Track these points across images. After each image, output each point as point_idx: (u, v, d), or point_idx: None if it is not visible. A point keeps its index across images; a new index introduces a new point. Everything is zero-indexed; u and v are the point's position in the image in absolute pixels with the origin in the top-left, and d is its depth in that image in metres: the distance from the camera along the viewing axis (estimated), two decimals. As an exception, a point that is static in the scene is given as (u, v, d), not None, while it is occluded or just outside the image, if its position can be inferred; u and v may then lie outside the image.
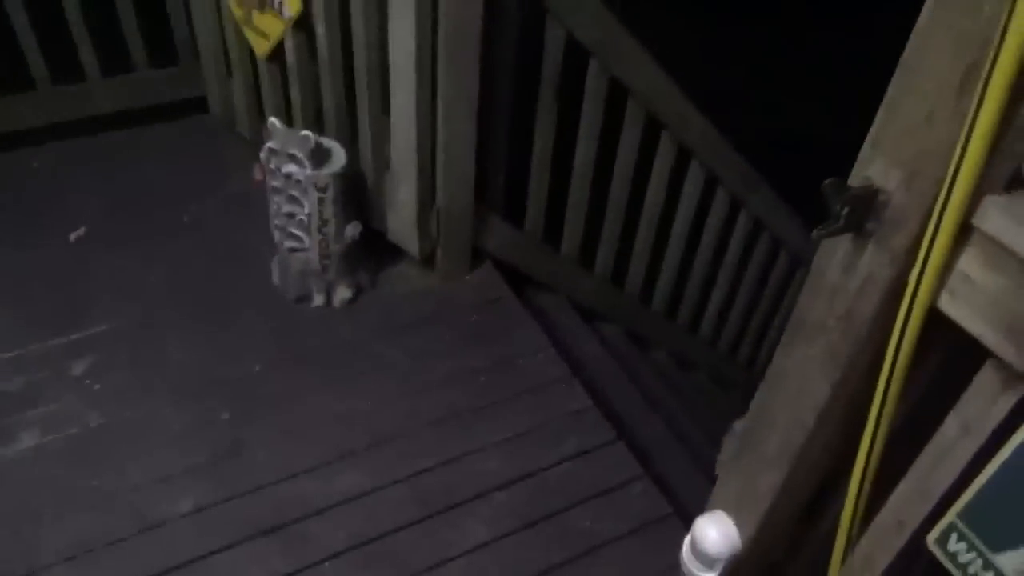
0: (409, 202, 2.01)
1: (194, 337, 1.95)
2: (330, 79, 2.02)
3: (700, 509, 1.29)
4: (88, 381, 1.82)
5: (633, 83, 1.98)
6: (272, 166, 1.89)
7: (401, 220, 2.08)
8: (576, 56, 1.91)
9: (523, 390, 1.93)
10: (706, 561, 1.21)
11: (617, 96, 2.02)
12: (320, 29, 1.94)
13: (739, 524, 1.19)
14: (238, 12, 2.13)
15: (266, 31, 2.06)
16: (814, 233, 0.82)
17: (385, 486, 1.69)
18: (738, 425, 1.93)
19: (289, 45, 2.05)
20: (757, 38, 3.95)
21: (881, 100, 0.79)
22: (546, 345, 2.06)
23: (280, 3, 1.97)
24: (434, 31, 1.73)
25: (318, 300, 2.06)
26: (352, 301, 2.10)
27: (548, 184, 2.15)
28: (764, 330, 3.03)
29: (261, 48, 2.13)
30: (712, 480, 1.33)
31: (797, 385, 0.99)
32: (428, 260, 2.15)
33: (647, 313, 2.64)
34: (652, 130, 2.13)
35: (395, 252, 2.18)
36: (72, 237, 2.16)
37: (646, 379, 2.45)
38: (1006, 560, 0.80)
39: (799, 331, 0.97)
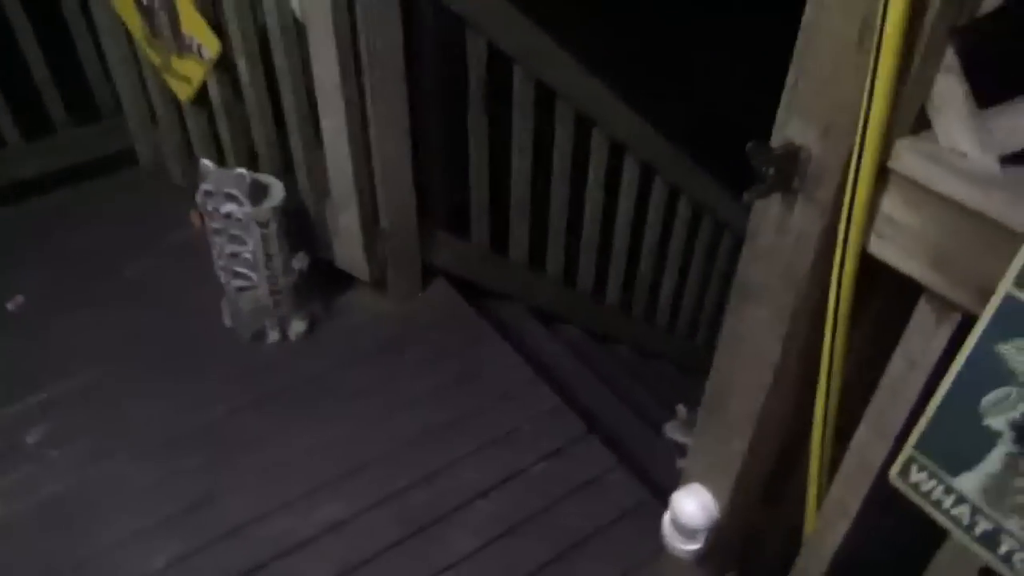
0: (353, 228, 2.01)
1: (152, 392, 1.91)
2: (258, 115, 2.02)
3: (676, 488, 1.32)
4: (45, 449, 1.77)
5: (559, 85, 2.02)
6: (210, 208, 1.87)
7: (347, 246, 2.07)
8: (502, 64, 1.94)
9: (492, 398, 1.93)
10: (687, 534, 1.24)
11: (547, 99, 2.06)
12: (242, 67, 1.94)
13: (714, 493, 1.22)
14: (156, 59, 2.11)
15: (188, 75, 2.05)
16: (744, 196, 0.86)
17: (365, 511, 1.68)
18: (681, 409, 1.96)
19: (213, 86, 2.04)
20: (664, 37, 4.07)
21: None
22: (509, 352, 2.07)
23: (198, 46, 1.96)
24: (356, 58, 1.74)
25: (273, 336, 2.04)
26: (308, 333, 2.08)
27: (489, 193, 2.18)
28: (718, 311, 3.10)
29: (184, 93, 2.11)
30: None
31: (750, 347, 1.03)
32: (380, 283, 2.15)
33: (603, 310, 2.68)
34: (584, 129, 2.17)
35: (346, 279, 2.17)
36: (10, 306, 2.10)
37: (611, 373, 2.49)
38: (964, 482, 0.84)
39: (744, 294, 1.01)
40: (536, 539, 1.65)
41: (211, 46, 1.93)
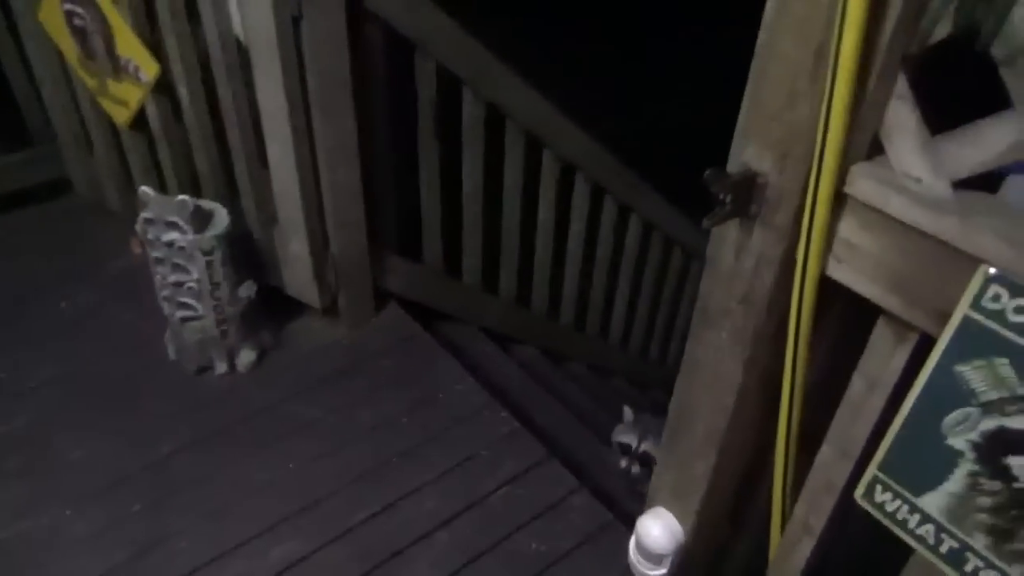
0: (302, 254, 1.96)
1: (92, 432, 1.82)
2: (200, 140, 1.96)
3: (638, 509, 1.31)
4: (-24, 498, 1.67)
5: (508, 105, 2.01)
6: (150, 237, 1.80)
7: (296, 273, 2.02)
8: (451, 86, 1.93)
9: (449, 424, 1.90)
10: (653, 558, 1.23)
11: (497, 121, 2.05)
12: (182, 90, 1.88)
13: (679, 516, 1.22)
14: (91, 83, 2.03)
15: (124, 98, 1.98)
16: (704, 222, 0.86)
17: (323, 547, 1.62)
18: (627, 412, 1.97)
19: (152, 110, 1.98)
20: (612, 50, 4.13)
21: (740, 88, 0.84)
22: (464, 375, 2.04)
23: (135, 68, 1.90)
24: (303, 81, 1.71)
25: (221, 368, 1.97)
26: (258, 364, 2.02)
27: (440, 215, 2.15)
28: (670, 326, 3.13)
29: (121, 117, 2.04)
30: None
31: (711, 370, 1.03)
32: (331, 310, 2.10)
33: (557, 329, 2.67)
34: (535, 149, 2.17)
35: (296, 306, 2.12)
36: (-64, 346, 1.98)
37: (568, 393, 2.48)
38: (929, 501, 0.85)
39: (705, 319, 1.01)
40: (498, 568, 1.62)
41: (149, 69, 1.87)
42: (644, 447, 2.02)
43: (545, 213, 2.33)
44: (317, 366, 2.03)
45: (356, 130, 1.82)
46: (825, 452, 1.01)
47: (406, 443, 1.84)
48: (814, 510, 1.06)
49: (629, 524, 1.67)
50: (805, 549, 1.11)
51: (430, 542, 1.66)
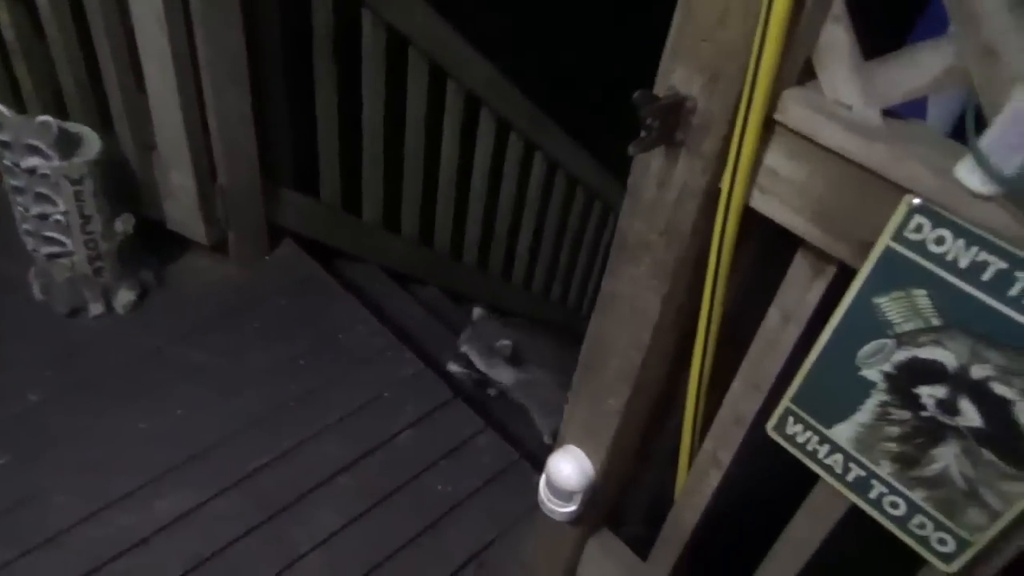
0: (186, 185, 1.81)
1: (-55, 381, 1.64)
2: (64, 55, 1.75)
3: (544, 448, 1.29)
4: None
5: (410, 31, 1.89)
6: (8, 163, 1.61)
7: (180, 206, 1.86)
8: (349, 7, 1.79)
9: (350, 366, 1.83)
10: (563, 496, 1.22)
11: (400, 49, 1.93)
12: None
13: (590, 453, 1.21)
14: (-73, -16, 1.76)
15: (-30, 4, 1.73)
16: (629, 148, 0.81)
17: (215, 497, 1.54)
18: (476, 311, 1.97)
19: (4, 17, 1.74)
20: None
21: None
22: (366, 316, 1.97)
23: (-18, -31, 1.66)
24: (182, -10, 1.54)
25: (96, 309, 1.81)
26: (138, 304, 1.86)
27: (338, 148, 2.03)
28: (572, 265, 3.13)
29: (-33, 25, 1.78)
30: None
31: (628, 305, 1.00)
32: (220, 246, 1.96)
33: (461, 269, 2.62)
34: (439, 80, 2.07)
35: (181, 242, 1.96)
36: None
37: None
38: (838, 432, 0.86)
39: (623, 252, 0.97)
40: (404, 511, 1.58)
41: (-2, -30, 1.64)
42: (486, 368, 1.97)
43: (449, 147, 2.25)
44: (204, 307, 1.90)
45: (245, 49, 1.67)
46: (736, 386, 1.01)
47: (303, 387, 1.76)
48: (723, 443, 1.07)
49: (535, 461, 1.68)
50: (713, 482, 1.12)
51: (332, 487, 1.60)
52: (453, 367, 1.99)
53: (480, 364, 1.96)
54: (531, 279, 2.99)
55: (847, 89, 0.74)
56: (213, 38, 1.60)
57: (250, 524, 1.51)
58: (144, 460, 1.57)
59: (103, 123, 1.81)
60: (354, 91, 1.94)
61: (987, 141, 0.64)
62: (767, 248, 0.96)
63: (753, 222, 0.87)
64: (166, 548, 1.45)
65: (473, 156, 2.35)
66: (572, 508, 1.24)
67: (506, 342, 1.94)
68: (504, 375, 1.98)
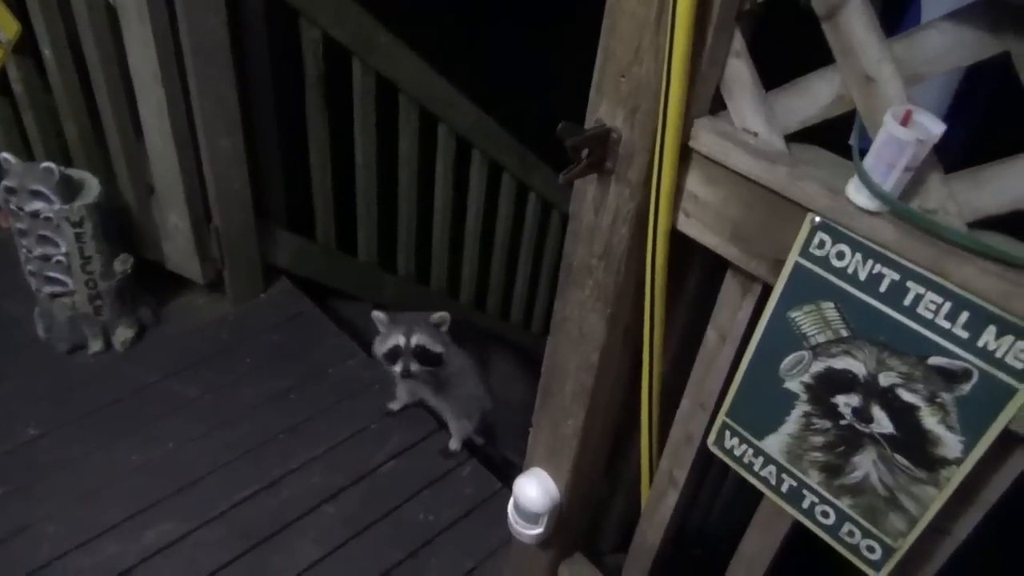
0: (182, 227, 1.89)
1: (-52, 415, 1.71)
2: (68, 106, 1.85)
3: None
4: None
5: (399, 77, 1.98)
6: (13, 207, 1.70)
7: (177, 247, 1.95)
8: (339, 56, 1.88)
9: (338, 399, 1.88)
10: (530, 518, 1.25)
11: (390, 94, 2.02)
12: (47, 52, 1.77)
13: (554, 475, 1.24)
14: (-55, 44, 1.89)
15: (-18, 61, 1.85)
16: (560, 176, 0.87)
17: (200, 527, 1.57)
18: (379, 315, 1.67)
19: (14, 73, 1.85)
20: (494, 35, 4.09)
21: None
22: (355, 351, 2.02)
23: (-6, 28, 1.78)
24: (176, 42, 1.64)
25: (95, 346, 1.88)
26: (136, 341, 1.93)
27: (331, 190, 2.11)
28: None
29: (-20, 80, 1.90)
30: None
31: (577, 328, 1.05)
32: (215, 285, 2.03)
33: (456, 307, 2.67)
34: (429, 124, 2.15)
35: (179, 282, 2.04)
36: None
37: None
38: (770, 443, 0.89)
39: (569, 276, 1.02)
40: (385, 540, 1.61)
41: (8, 28, 1.76)
42: (416, 340, 1.67)
43: (442, 189, 2.32)
44: (199, 343, 1.96)
45: (236, 98, 1.76)
46: (684, 405, 1.05)
47: (292, 419, 1.81)
48: (677, 463, 1.10)
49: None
50: (671, 500, 1.14)
51: (316, 517, 1.63)
52: (395, 367, 1.68)
53: (432, 343, 1.69)
54: (530, 319, 3.03)
55: (753, 118, 0.79)
56: (207, 89, 1.70)
57: (234, 553, 1.54)
58: (134, 491, 1.61)
59: (105, 169, 1.90)
60: (346, 134, 2.03)
61: (868, 161, 0.69)
62: (711, 273, 1.01)
63: (691, 248, 0.92)
64: (152, 576, 1.49)
65: (466, 196, 2.42)
66: (539, 530, 1.27)
67: (441, 313, 1.71)
68: (455, 357, 1.73)
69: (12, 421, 1.72)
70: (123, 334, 1.91)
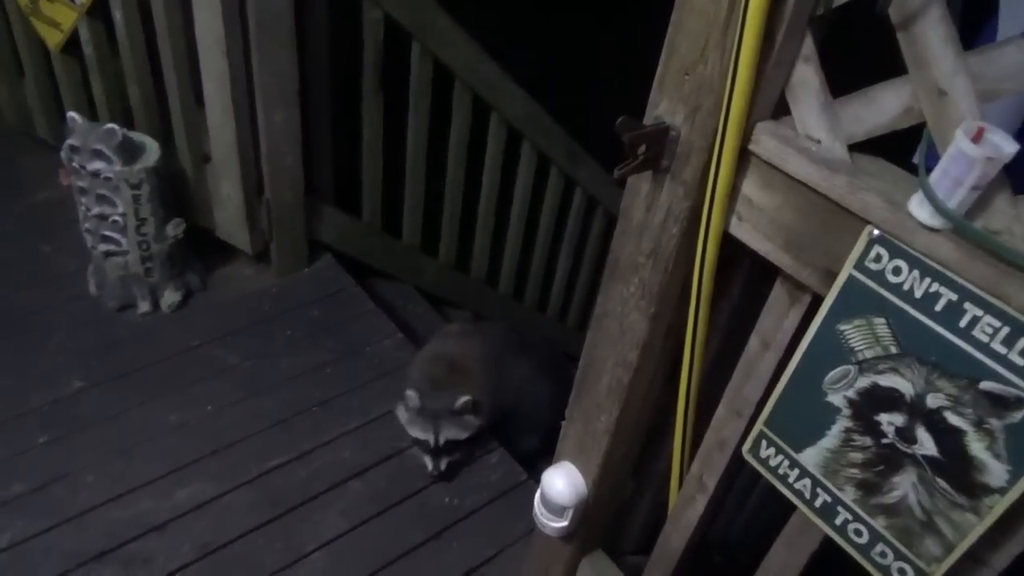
0: (235, 196, 1.93)
1: (-1, 362, 1.77)
2: (134, 71, 1.90)
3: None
4: None
5: (455, 64, 1.99)
6: (76, 165, 1.75)
7: (228, 215, 1.99)
8: (398, 40, 1.90)
9: (373, 377, 1.90)
10: (556, 511, 1.25)
11: (445, 81, 2.03)
12: (118, 15, 1.81)
13: (583, 470, 1.24)
14: (23, 1, 1.95)
15: (58, 20, 1.90)
16: (615, 171, 0.87)
17: (231, 491, 1.61)
18: (410, 393, 1.63)
19: (85, 36, 1.91)
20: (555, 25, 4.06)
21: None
22: (393, 331, 2.04)
23: (69, -10, 1.83)
24: (243, 14, 1.66)
25: (143, 307, 1.93)
26: (183, 305, 1.98)
27: (381, 171, 2.13)
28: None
29: (53, 39, 1.96)
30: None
31: (618, 324, 1.04)
32: (262, 256, 2.07)
33: (494, 296, 2.68)
34: (482, 113, 2.16)
35: (226, 250, 2.08)
36: None
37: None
38: (807, 456, 0.88)
39: (614, 272, 1.02)
40: (410, 520, 1.63)
41: (83, -9, 1.80)
42: (444, 437, 1.64)
43: (490, 178, 2.33)
44: (243, 312, 2.00)
45: (297, 74, 1.79)
46: (720, 411, 1.04)
47: (326, 393, 1.83)
48: (708, 468, 1.09)
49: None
50: (700, 506, 1.14)
51: (343, 491, 1.66)
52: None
53: (459, 433, 1.67)
54: (566, 312, 3.03)
55: (816, 124, 0.78)
56: (268, 62, 1.72)
57: (261, 519, 1.57)
58: (170, 450, 1.66)
59: (165, 135, 1.95)
60: (398, 117, 2.04)
61: (934, 176, 0.67)
62: (756, 278, 1.00)
63: (740, 251, 0.91)
64: (180, 534, 1.52)
65: (513, 187, 2.42)
66: (564, 523, 1.27)
67: (464, 399, 1.64)
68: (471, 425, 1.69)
69: (59, 372, 1.78)
70: (171, 297, 1.95)
